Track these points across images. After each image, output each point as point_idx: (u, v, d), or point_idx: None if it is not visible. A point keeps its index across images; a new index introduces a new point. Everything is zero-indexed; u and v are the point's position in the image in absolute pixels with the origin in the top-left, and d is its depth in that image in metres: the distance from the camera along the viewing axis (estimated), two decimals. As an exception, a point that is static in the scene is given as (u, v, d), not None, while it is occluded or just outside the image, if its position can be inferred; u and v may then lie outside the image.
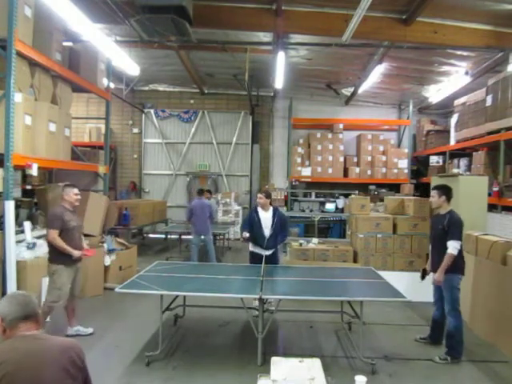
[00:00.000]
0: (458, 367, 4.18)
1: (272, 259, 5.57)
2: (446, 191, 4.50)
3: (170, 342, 4.59)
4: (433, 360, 4.26)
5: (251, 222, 5.60)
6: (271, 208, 5.67)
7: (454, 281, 4.33)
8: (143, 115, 13.35)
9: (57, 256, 4.57)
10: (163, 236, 11.64)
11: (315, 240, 7.74)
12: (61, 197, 4.82)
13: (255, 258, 5.62)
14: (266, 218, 5.58)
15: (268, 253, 5.58)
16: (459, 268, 4.39)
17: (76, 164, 7.30)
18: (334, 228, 11.87)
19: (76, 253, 4.60)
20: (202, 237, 8.01)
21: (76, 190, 4.78)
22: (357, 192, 11.08)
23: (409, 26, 7.16)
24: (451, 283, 4.33)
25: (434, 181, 7.33)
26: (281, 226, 5.59)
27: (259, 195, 5.66)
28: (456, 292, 4.34)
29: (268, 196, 5.66)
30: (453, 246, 4.25)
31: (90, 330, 4.87)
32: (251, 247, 5.77)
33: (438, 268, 4.36)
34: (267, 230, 5.54)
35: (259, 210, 5.66)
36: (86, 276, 5.90)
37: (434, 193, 4.55)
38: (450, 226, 4.30)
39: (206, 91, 13.11)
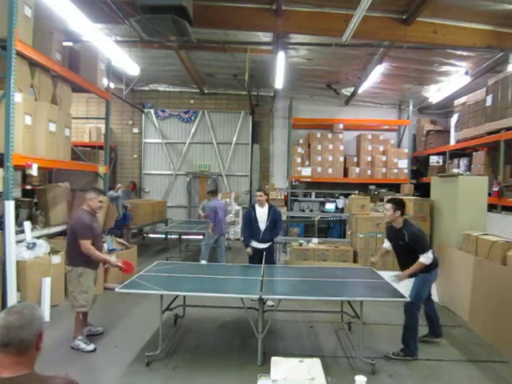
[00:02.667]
0: (458, 367, 4.18)
1: (268, 253, 5.92)
2: (401, 207, 4.44)
3: (170, 342, 4.59)
4: (387, 356, 4.28)
5: (250, 220, 6.06)
6: (267, 205, 6.16)
7: (427, 280, 4.39)
8: (143, 115, 13.35)
9: (81, 258, 4.40)
10: (163, 236, 11.64)
11: (315, 240, 7.75)
12: (84, 200, 4.60)
13: (253, 252, 6.04)
14: (262, 213, 6.07)
15: (264, 246, 6.01)
16: (432, 265, 4.39)
17: (76, 164, 7.30)
18: (333, 228, 11.86)
19: (113, 260, 4.49)
20: (217, 237, 7.99)
21: (101, 198, 4.61)
22: (357, 192, 11.08)
23: (409, 25, 7.15)
24: (423, 283, 4.37)
25: (434, 181, 7.34)
26: (275, 220, 6.08)
27: (259, 193, 6.17)
28: (423, 292, 4.39)
29: (266, 194, 6.34)
30: (426, 257, 4.26)
31: (101, 329, 4.90)
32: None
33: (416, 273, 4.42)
34: (262, 224, 6.02)
35: (256, 206, 6.16)
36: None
37: (388, 206, 4.46)
38: (414, 242, 4.29)
39: (205, 91, 13.12)
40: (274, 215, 6.05)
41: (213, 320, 5.31)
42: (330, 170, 12.21)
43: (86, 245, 4.35)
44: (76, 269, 4.44)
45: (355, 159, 12.55)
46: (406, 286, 4.73)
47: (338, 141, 12.36)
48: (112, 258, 4.51)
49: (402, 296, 4.07)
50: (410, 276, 4.40)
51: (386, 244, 4.82)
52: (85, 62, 7.35)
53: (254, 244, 6.05)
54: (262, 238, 6.00)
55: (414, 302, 4.31)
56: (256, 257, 5.95)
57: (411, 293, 4.38)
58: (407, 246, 4.33)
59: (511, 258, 4.76)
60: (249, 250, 6.05)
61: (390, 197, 5.13)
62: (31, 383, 1.56)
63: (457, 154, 9.95)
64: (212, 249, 8.15)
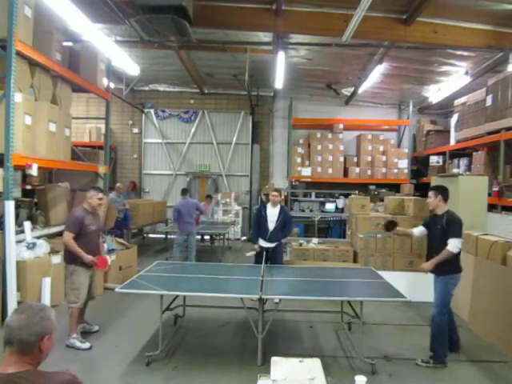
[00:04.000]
0: (457, 367, 4.17)
1: (274, 252, 5.96)
2: (441, 191, 4.39)
3: (170, 342, 4.59)
4: (416, 363, 4.15)
5: (259, 218, 6.07)
6: (279, 205, 6.14)
7: (448, 283, 4.20)
8: (143, 115, 13.35)
9: (72, 256, 4.53)
10: (163, 236, 11.65)
11: (315, 240, 7.75)
12: (84, 198, 4.82)
13: (260, 250, 6.02)
14: (272, 213, 6.03)
15: (271, 245, 6.01)
16: (454, 268, 4.25)
17: (76, 164, 7.31)
18: (333, 228, 11.87)
19: (88, 258, 4.50)
20: (186, 236, 8.05)
21: (100, 195, 4.76)
22: (357, 192, 11.08)
23: (409, 26, 7.15)
24: (446, 286, 4.20)
25: (434, 181, 7.33)
26: (285, 222, 6.04)
27: (274, 193, 6.11)
28: (448, 296, 4.22)
29: (280, 194, 6.28)
30: (453, 244, 4.12)
31: (96, 328, 4.93)
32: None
33: (437, 269, 4.25)
34: (271, 224, 5.99)
35: (268, 206, 6.13)
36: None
37: (430, 193, 4.43)
38: (449, 225, 4.21)
39: (205, 91, 13.12)
40: (284, 217, 6.02)
41: (213, 320, 5.31)
42: (330, 170, 12.20)
43: (66, 236, 4.49)
44: (69, 266, 4.58)
45: (355, 159, 12.55)
46: (406, 286, 4.74)
47: (338, 141, 12.36)
48: (88, 257, 4.50)
49: (402, 296, 4.06)
50: (433, 270, 4.26)
51: (416, 230, 4.73)
52: (85, 62, 7.35)
53: (261, 243, 6.04)
54: (270, 238, 5.99)
55: (440, 308, 4.17)
56: (262, 256, 5.82)
57: (435, 299, 4.23)
58: (443, 230, 4.23)
59: (511, 258, 4.76)
60: (256, 246, 6.04)
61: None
62: (35, 378, 1.62)
63: (457, 153, 9.95)
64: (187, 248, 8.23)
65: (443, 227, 4.25)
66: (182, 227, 8.07)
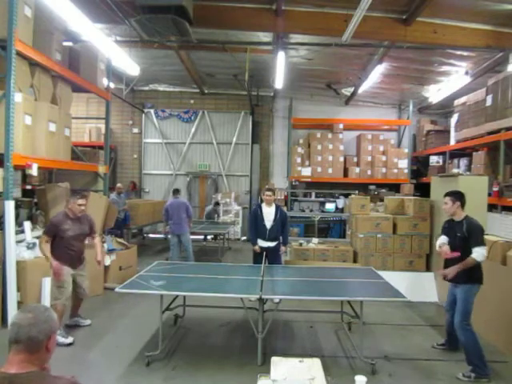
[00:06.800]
0: (457, 367, 4.16)
1: (274, 252, 5.97)
2: (460, 197, 4.22)
3: (170, 342, 4.59)
4: (456, 377, 3.95)
5: (256, 218, 6.04)
6: (274, 204, 6.13)
7: (471, 292, 4.04)
8: (143, 115, 13.35)
9: (54, 255, 4.64)
10: (163, 236, 11.62)
11: (315, 240, 7.75)
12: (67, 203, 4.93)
13: (260, 250, 5.99)
14: (268, 212, 6.03)
15: (270, 244, 6.00)
16: (478, 278, 4.08)
17: (76, 164, 7.30)
18: (334, 228, 11.88)
19: (54, 264, 4.58)
20: (178, 237, 7.99)
21: (81, 201, 4.73)
22: (357, 192, 11.08)
23: (409, 25, 7.16)
24: (468, 294, 4.03)
25: (434, 181, 7.34)
26: (282, 220, 6.07)
27: (268, 193, 6.08)
28: (470, 305, 4.02)
29: (274, 194, 6.31)
30: (479, 253, 3.92)
31: (88, 322, 5.02)
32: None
33: (460, 277, 4.07)
34: (269, 223, 5.99)
35: (263, 205, 6.12)
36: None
37: (447, 199, 4.25)
38: (470, 233, 4.01)
39: (206, 91, 13.12)
40: (281, 217, 6.03)
41: (213, 320, 5.30)
42: (330, 170, 12.21)
43: (41, 239, 4.72)
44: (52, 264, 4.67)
45: (355, 159, 12.55)
46: (406, 286, 4.73)
47: (338, 141, 12.36)
48: (54, 263, 4.58)
49: (402, 296, 4.06)
50: (454, 279, 4.08)
51: (443, 238, 4.33)
52: (85, 62, 7.35)
53: (261, 243, 6.01)
54: (269, 236, 5.97)
55: (462, 317, 3.99)
56: (262, 256, 5.76)
57: (458, 309, 4.04)
58: (463, 238, 4.03)
59: (511, 258, 4.76)
60: (256, 247, 5.99)
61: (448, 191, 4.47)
62: (34, 380, 1.60)
63: (457, 153, 9.96)
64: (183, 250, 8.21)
65: (464, 235, 4.07)
66: (172, 228, 8.01)
